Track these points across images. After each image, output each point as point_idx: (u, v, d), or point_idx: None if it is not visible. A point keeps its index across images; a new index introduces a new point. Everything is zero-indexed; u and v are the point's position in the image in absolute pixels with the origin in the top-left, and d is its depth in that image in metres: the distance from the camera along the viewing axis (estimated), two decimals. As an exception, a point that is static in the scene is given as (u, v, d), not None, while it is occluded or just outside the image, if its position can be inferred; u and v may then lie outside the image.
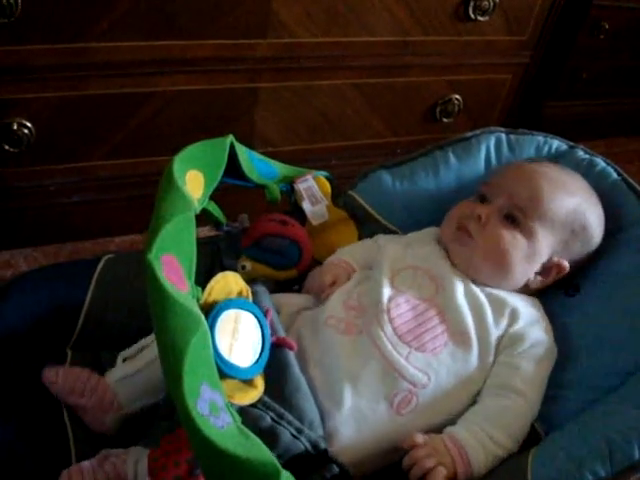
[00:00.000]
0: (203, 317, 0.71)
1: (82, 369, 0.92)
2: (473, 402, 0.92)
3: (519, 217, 0.98)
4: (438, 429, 0.89)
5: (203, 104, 1.36)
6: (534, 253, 0.98)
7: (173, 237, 0.76)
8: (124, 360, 0.94)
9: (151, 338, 0.93)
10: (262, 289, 0.94)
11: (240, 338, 0.79)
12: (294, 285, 1.06)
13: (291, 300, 1.01)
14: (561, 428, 0.89)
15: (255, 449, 0.67)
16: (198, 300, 0.77)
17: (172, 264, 0.75)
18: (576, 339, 0.98)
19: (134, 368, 0.92)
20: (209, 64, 1.32)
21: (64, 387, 0.90)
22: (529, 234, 0.97)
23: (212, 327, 0.77)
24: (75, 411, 0.92)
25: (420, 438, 0.85)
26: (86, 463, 0.83)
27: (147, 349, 0.93)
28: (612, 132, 1.98)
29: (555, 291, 1.03)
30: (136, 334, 0.95)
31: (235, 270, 0.99)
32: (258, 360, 0.81)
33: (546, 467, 0.82)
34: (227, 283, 0.82)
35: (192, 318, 0.70)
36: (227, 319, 0.79)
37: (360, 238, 1.11)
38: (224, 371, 0.76)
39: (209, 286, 0.80)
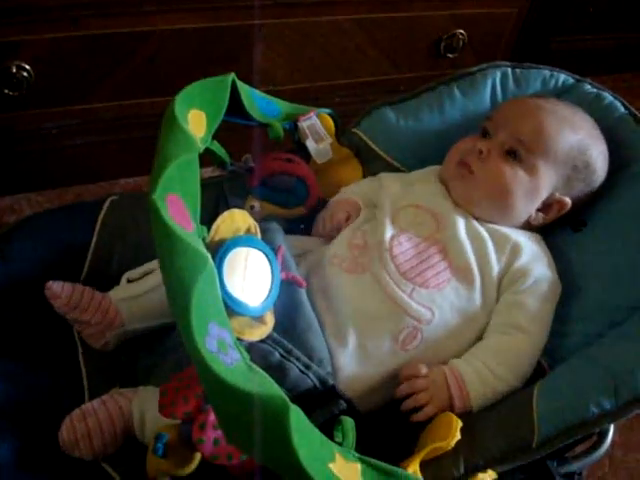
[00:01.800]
0: (209, 256, 0.71)
1: (85, 287, 0.94)
2: (477, 340, 0.93)
3: (521, 152, 0.97)
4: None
5: (204, 42, 1.34)
6: (535, 189, 0.97)
7: (177, 177, 0.76)
8: (128, 281, 0.97)
9: (156, 263, 0.92)
10: (275, 226, 0.95)
11: (249, 275, 0.80)
12: (300, 224, 1.06)
13: (300, 242, 1.02)
14: (566, 362, 0.90)
15: (264, 385, 0.68)
16: (204, 240, 0.77)
17: (177, 204, 0.75)
18: (581, 274, 0.98)
19: (138, 290, 0.95)
20: (210, 1, 1.29)
21: (69, 302, 0.91)
22: (530, 170, 0.96)
23: (220, 265, 0.77)
24: (76, 326, 0.95)
25: (423, 369, 0.87)
26: (88, 405, 0.85)
27: (152, 274, 0.95)
28: (620, 67, 1.95)
29: (561, 227, 1.03)
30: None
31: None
32: (267, 297, 0.81)
33: (551, 400, 0.83)
34: (234, 221, 0.82)
35: (198, 257, 0.70)
36: (235, 257, 0.79)
37: (365, 176, 1.11)
38: (233, 309, 0.77)
39: (215, 225, 0.80)
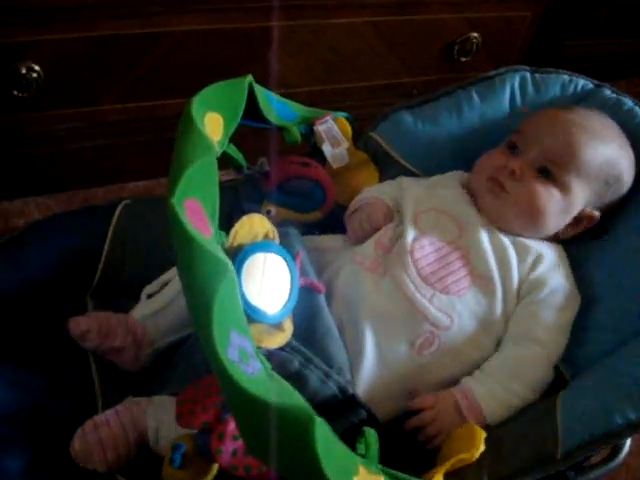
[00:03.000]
0: (230, 262, 0.70)
1: (105, 312, 0.92)
2: (496, 348, 0.91)
3: (554, 171, 0.95)
4: (458, 375, 0.89)
5: (216, 45, 1.32)
6: (569, 207, 0.96)
7: (196, 181, 0.74)
8: (148, 296, 0.94)
9: (173, 272, 0.92)
10: (293, 231, 0.93)
11: (267, 282, 0.78)
12: (316, 230, 1.04)
13: (318, 242, 1.00)
14: (588, 371, 0.88)
15: (287, 395, 0.66)
16: (223, 245, 0.75)
17: (195, 209, 0.73)
18: (602, 282, 0.96)
19: (159, 304, 0.92)
20: (222, 2, 1.27)
21: (99, 332, 0.89)
22: (564, 188, 0.95)
23: (238, 272, 0.75)
24: (108, 355, 0.91)
25: (428, 400, 0.86)
26: (101, 416, 0.83)
27: (170, 284, 0.93)
28: (634, 71, 1.93)
29: (580, 235, 1.01)
30: (159, 276, 0.95)
31: (258, 214, 0.98)
32: (286, 303, 0.80)
33: (575, 410, 0.82)
34: (252, 226, 0.80)
35: (219, 264, 0.68)
36: (254, 263, 0.77)
37: (381, 181, 1.09)
38: (251, 316, 0.75)
39: (234, 230, 0.78)
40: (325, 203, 1.01)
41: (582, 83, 1.10)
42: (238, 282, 0.74)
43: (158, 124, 1.36)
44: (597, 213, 0.98)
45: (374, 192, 1.04)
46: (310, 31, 1.37)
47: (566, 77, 1.10)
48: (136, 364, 0.91)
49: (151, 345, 0.91)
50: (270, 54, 1.37)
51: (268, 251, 0.79)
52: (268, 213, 0.97)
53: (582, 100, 1.09)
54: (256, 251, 0.78)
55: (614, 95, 1.08)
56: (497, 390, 0.87)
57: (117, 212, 1.00)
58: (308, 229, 1.02)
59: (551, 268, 0.94)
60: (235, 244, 0.77)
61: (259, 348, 0.74)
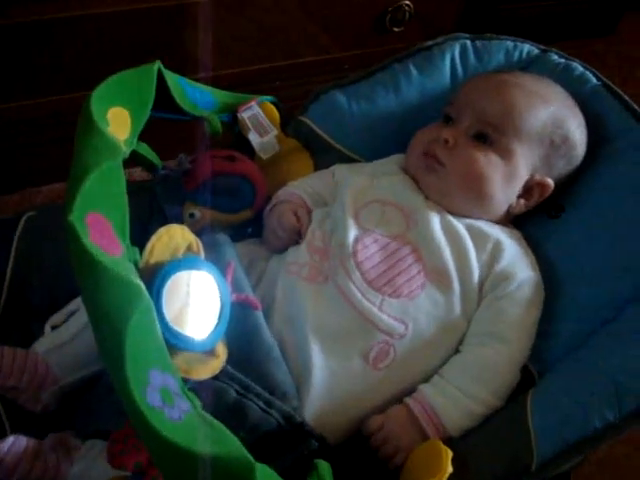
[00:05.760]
0: (143, 287, 0.59)
1: (2, 346, 0.80)
2: (456, 352, 0.83)
3: (491, 134, 0.87)
4: (419, 383, 0.81)
5: (125, 28, 1.20)
6: (512, 173, 0.87)
7: (98, 191, 0.65)
8: (53, 328, 0.84)
9: (80, 301, 0.81)
10: (223, 238, 0.83)
11: (193, 303, 0.68)
12: (247, 228, 0.94)
13: (251, 250, 0.90)
14: (557, 367, 0.81)
15: (222, 441, 0.57)
16: (136, 264, 0.65)
17: (100, 224, 0.64)
18: (563, 266, 0.88)
19: (65, 336, 0.82)
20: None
21: None
22: (504, 152, 0.86)
23: (158, 295, 0.65)
24: (5, 393, 0.80)
25: (375, 423, 0.78)
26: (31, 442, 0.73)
27: (77, 314, 0.83)
28: (569, 34, 1.86)
29: (536, 214, 0.93)
30: (68, 299, 0.85)
31: (181, 219, 0.87)
32: (217, 326, 0.70)
33: (548, 414, 0.74)
34: (172, 238, 0.70)
35: (130, 289, 0.59)
36: (176, 283, 0.67)
37: (317, 169, 0.99)
38: (177, 345, 0.65)
39: (150, 244, 0.68)
40: (256, 200, 0.90)
41: (527, 49, 1.02)
42: (158, 307, 0.65)
43: (67, 120, 1.22)
44: (549, 180, 0.89)
45: (292, 187, 0.94)
46: (229, 7, 1.25)
47: (509, 43, 1.02)
48: (38, 406, 0.80)
49: (55, 383, 0.79)
50: (187, 34, 1.25)
51: (192, 268, 0.68)
52: (192, 217, 0.86)
53: (528, 67, 1.01)
54: (178, 269, 0.67)
55: (562, 60, 1.00)
56: (457, 397, 0.78)
57: (20, 227, 0.88)
58: (240, 230, 0.91)
59: (516, 259, 0.86)
60: (152, 262, 0.67)
61: (187, 381, 0.65)
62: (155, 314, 0.60)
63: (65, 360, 0.80)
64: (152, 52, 1.24)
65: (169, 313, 0.66)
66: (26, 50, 1.16)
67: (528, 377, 0.82)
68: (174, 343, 0.65)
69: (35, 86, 1.22)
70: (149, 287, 0.64)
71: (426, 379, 0.81)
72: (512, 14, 1.67)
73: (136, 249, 0.66)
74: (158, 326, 0.60)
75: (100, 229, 0.63)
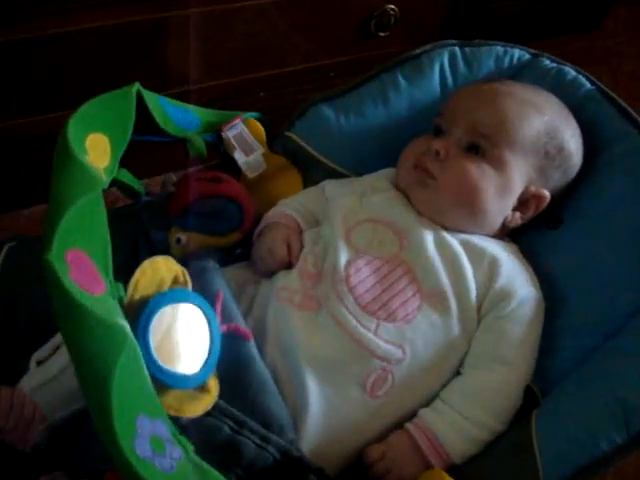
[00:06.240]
0: (128, 328, 0.57)
1: None
2: (457, 374, 0.80)
3: (484, 145, 0.84)
4: (420, 407, 0.78)
5: (105, 43, 1.16)
6: (507, 185, 0.84)
7: (77, 226, 0.62)
8: (38, 363, 0.80)
9: None
10: (211, 264, 0.80)
11: (182, 338, 0.65)
12: (236, 249, 0.90)
13: (247, 272, 0.87)
14: (561, 387, 0.78)
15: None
16: (121, 301, 0.62)
17: (80, 260, 0.61)
18: (564, 280, 0.85)
19: (51, 372, 0.77)
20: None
21: None
22: (498, 164, 0.83)
23: (145, 332, 0.63)
24: None
25: (376, 452, 0.75)
26: None
27: (62, 347, 0.79)
28: (555, 30, 1.84)
29: (535, 227, 0.90)
30: (56, 330, 0.79)
31: (167, 246, 0.84)
32: (207, 359, 0.67)
33: (554, 439, 0.72)
34: (156, 271, 0.67)
35: (114, 334, 0.56)
36: (163, 318, 0.64)
37: (306, 186, 0.96)
38: (166, 383, 0.63)
39: (134, 279, 0.65)
40: (244, 222, 0.86)
41: (518, 54, 0.99)
42: (145, 344, 0.62)
43: (47, 140, 1.19)
44: (545, 192, 0.86)
45: (283, 206, 0.91)
46: (210, 18, 1.22)
47: (499, 49, 0.99)
48: (27, 445, 0.76)
49: (44, 421, 0.76)
50: (169, 49, 1.22)
51: (179, 301, 0.66)
52: (178, 242, 0.82)
53: (520, 73, 0.98)
54: (164, 304, 0.64)
55: (554, 64, 0.97)
56: (460, 423, 0.75)
57: (1, 257, 0.85)
58: (228, 252, 0.88)
59: (515, 275, 0.83)
60: (137, 297, 0.64)
61: (179, 419, 0.62)
62: (141, 356, 0.58)
63: (53, 397, 0.76)
64: (133, 66, 1.21)
65: (157, 350, 0.63)
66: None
67: (531, 396, 0.80)
68: (163, 381, 0.62)
69: (19, 106, 1.19)
70: (135, 324, 0.62)
71: (427, 403, 0.78)
72: (497, 13, 1.64)
73: (120, 285, 0.63)
74: (145, 369, 0.58)
75: (81, 266, 0.60)
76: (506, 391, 0.78)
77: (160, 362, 0.62)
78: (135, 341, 0.57)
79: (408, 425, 0.76)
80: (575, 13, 1.86)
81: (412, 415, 0.78)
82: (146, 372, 0.58)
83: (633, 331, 0.78)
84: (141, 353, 0.59)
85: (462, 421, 0.75)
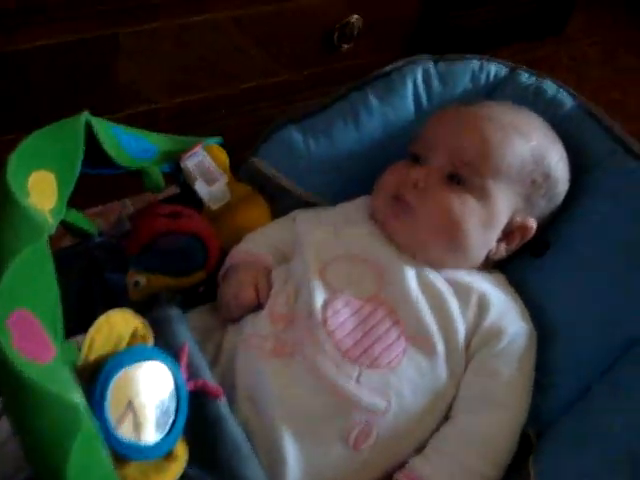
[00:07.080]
0: (82, 403, 0.49)
1: None
2: (446, 418, 0.74)
3: (466, 175, 0.78)
4: (409, 457, 0.71)
5: (55, 63, 1.09)
6: (491, 216, 0.79)
7: (21, 283, 0.55)
8: None
9: None
10: (173, 313, 0.72)
11: (145, 401, 0.58)
12: (199, 287, 0.83)
13: (213, 317, 0.80)
14: (558, 431, 0.72)
15: None
16: (74, 364, 0.55)
17: (26, 322, 0.54)
18: (553, 311, 0.80)
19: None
20: (53, 11, 1.03)
21: None
22: (481, 194, 0.78)
23: (101, 399, 0.55)
24: None
25: None
26: None
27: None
28: (519, 36, 1.81)
29: (520, 254, 0.84)
30: None
31: (124, 289, 0.76)
32: (173, 423, 0.60)
33: (555, 489, 0.65)
34: (113, 327, 0.60)
35: (66, 412, 0.48)
36: (121, 382, 0.57)
37: (275, 216, 0.89)
38: (129, 456, 0.55)
39: (88, 338, 0.58)
40: (208, 259, 0.79)
41: (494, 69, 0.93)
42: (102, 413, 0.55)
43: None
44: (531, 222, 0.81)
45: (249, 242, 0.84)
46: (165, 34, 1.15)
47: (475, 63, 0.93)
48: None
49: None
50: (121, 67, 1.14)
51: (139, 359, 0.58)
52: (136, 285, 0.75)
53: (496, 90, 0.92)
54: (122, 365, 0.57)
55: (533, 79, 0.92)
56: (453, 471, 0.69)
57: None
58: (190, 291, 0.81)
59: (505, 310, 0.77)
60: (92, 359, 0.57)
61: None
62: (99, 432, 0.51)
63: (1, 466, 0.69)
64: (85, 86, 1.14)
65: (116, 419, 0.56)
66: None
67: (524, 438, 0.74)
68: (124, 454, 0.55)
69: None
70: (90, 391, 0.55)
71: (416, 450, 0.72)
72: (460, 22, 1.61)
73: (73, 346, 0.56)
74: (103, 446, 0.51)
75: (26, 330, 0.53)
76: (502, 436, 0.72)
77: (120, 434, 0.55)
78: (91, 416, 0.50)
79: (398, 476, 0.70)
80: (539, 19, 1.84)
81: (402, 464, 0.71)
82: (105, 451, 0.51)
83: (627, 366, 0.73)
84: (98, 425, 0.52)
85: (455, 469, 0.69)
